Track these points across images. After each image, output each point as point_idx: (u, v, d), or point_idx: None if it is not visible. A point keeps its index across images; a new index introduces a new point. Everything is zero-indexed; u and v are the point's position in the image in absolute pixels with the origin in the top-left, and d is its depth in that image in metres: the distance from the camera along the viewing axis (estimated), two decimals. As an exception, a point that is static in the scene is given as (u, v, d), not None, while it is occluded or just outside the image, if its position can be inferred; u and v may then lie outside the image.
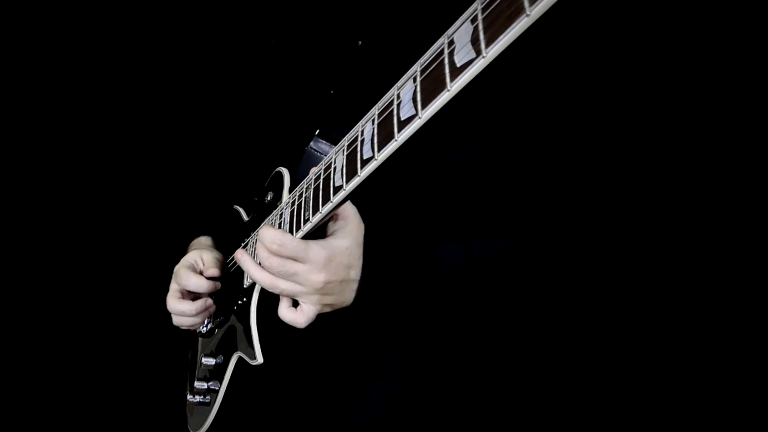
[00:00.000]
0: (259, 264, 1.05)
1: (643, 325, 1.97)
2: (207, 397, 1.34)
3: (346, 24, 1.31)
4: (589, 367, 2.01)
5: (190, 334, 1.50)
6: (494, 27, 0.65)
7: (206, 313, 1.33)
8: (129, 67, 2.48)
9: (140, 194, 2.52)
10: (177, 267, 1.32)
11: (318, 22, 1.35)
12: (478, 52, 0.68)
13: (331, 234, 1.05)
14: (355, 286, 1.07)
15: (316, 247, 1.01)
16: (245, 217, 1.39)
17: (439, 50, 0.75)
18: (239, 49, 1.59)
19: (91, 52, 2.45)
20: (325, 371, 1.31)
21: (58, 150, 2.48)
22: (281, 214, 1.14)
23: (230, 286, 1.31)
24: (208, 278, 1.30)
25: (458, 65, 0.71)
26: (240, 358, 1.23)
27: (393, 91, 0.84)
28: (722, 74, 1.82)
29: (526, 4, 0.61)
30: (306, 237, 1.04)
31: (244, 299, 1.22)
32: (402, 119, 0.80)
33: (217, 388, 1.30)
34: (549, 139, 1.24)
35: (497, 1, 0.65)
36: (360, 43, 1.27)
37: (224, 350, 1.29)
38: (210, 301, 1.32)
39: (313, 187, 1.03)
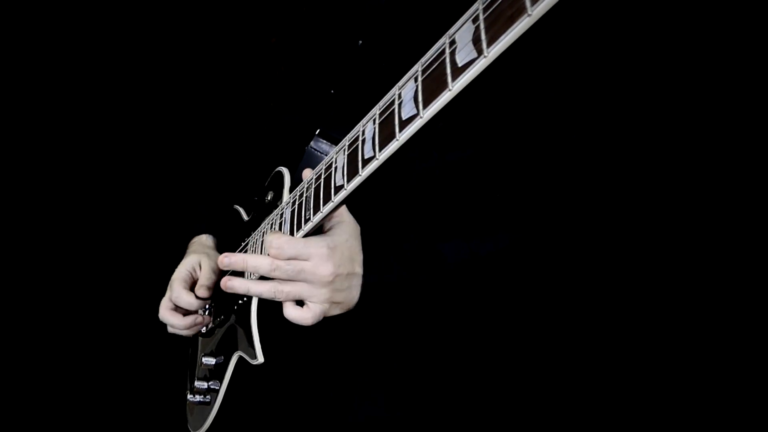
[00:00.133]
0: (260, 277, 1.05)
1: (645, 323, 1.97)
2: (207, 396, 1.34)
3: (346, 24, 1.31)
4: (590, 367, 2.01)
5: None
6: (496, 27, 0.66)
7: (197, 329, 1.33)
8: (130, 67, 2.48)
9: (141, 193, 2.52)
10: (173, 276, 1.32)
11: (318, 22, 1.35)
12: (480, 52, 0.68)
13: (328, 230, 1.05)
14: (360, 281, 1.07)
15: (314, 240, 1.01)
16: (245, 217, 1.39)
17: (440, 50, 0.75)
18: (240, 49, 1.59)
19: (93, 51, 2.45)
20: (325, 371, 1.30)
21: (59, 150, 2.48)
22: (282, 214, 1.14)
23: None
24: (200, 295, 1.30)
25: (460, 65, 0.71)
26: (240, 358, 1.23)
27: (394, 91, 0.85)
28: (722, 74, 1.82)
29: (528, 3, 0.61)
30: (306, 236, 1.04)
31: (245, 299, 1.22)
32: (403, 119, 0.80)
33: (217, 388, 1.30)
34: (550, 139, 1.24)
35: (499, 1, 0.65)
36: (360, 42, 1.27)
37: (224, 350, 1.29)
38: (200, 318, 1.31)
39: (314, 186, 1.03)
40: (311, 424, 1.32)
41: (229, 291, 1.09)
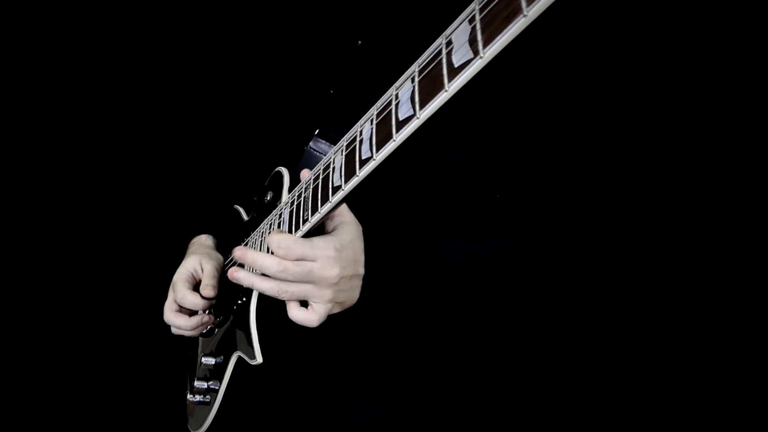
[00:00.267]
0: (264, 275, 1.04)
1: (644, 323, 1.96)
2: (207, 396, 1.34)
3: (346, 24, 1.30)
4: (590, 366, 2.01)
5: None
6: (492, 27, 0.65)
7: (202, 328, 1.32)
8: (130, 67, 2.48)
9: (141, 193, 2.52)
10: (176, 277, 1.31)
11: (318, 22, 1.35)
12: (476, 53, 0.68)
13: (332, 230, 1.05)
14: (361, 282, 1.07)
15: (321, 242, 1.01)
16: (245, 217, 1.39)
17: (437, 50, 0.75)
18: (240, 49, 1.59)
19: (92, 51, 2.45)
20: (324, 371, 1.31)
21: (59, 150, 2.48)
22: (281, 214, 1.14)
23: (230, 286, 1.31)
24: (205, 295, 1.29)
25: (456, 65, 0.71)
26: (240, 358, 1.23)
27: (391, 91, 0.84)
28: (722, 74, 1.82)
29: (524, 4, 0.61)
30: (305, 236, 1.04)
31: (244, 299, 1.22)
32: (400, 119, 0.80)
33: (217, 388, 1.30)
34: (547, 139, 1.24)
35: (495, 2, 0.65)
36: (360, 42, 1.27)
37: (224, 350, 1.29)
38: (206, 318, 1.30)
39: (312, 186, 1.03)
40: (311, 424, 1.32)
41: (234, 282, 1.09)
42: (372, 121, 0.87)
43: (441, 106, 0.75)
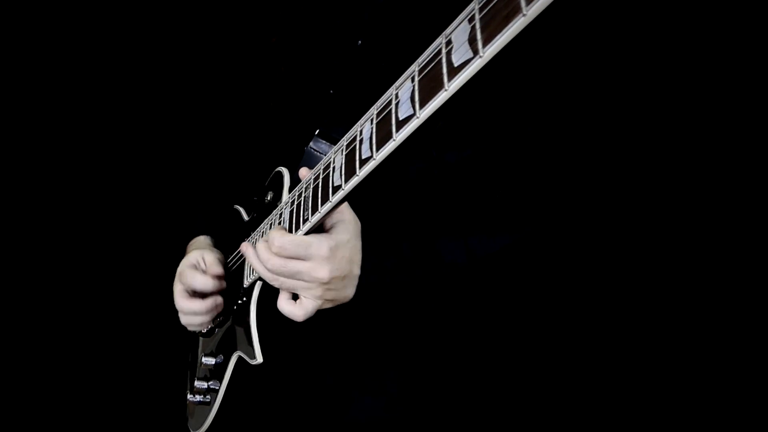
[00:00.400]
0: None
1: (643, 323, 1.96)
2: (207, 396, 1.34)
3: (346, 24, 1.31)
4: (590, 366, 2.01)
5: (191, 334, 1.50)
6: (491, 27, 0.66)
7: (216, 311, 1.31)
8: (130, 67, 2.48)
9: (141, 194, 2.52)
10: (180, 267, 1.32)
11: (318, 22, 1.35)
12: (476, 52, 0.68)
13: (330, 229, 1.06)
14: (356, 281, 1.07)
15: (317, 242, 1.01)
16: (245, 217, 1.39)
17: (437, 50, 0.75)
18: (240, 49, 1.60)
19: (92, 51, 2.45)
20: (324, 370, 1.31)
21: (59, 150, 2.48)
22: (281, 214, 1.15)
23: (230, 286, 1.32)
24: (214, 277, 1.30)
25: (456, 65, 0.71)
26: (240, 358, 1.23)
27: (391, 91, 0.85)
28: (722, 74, 1.82)
29: (523, 3, 0.61)
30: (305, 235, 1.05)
31: (244, 299, 1.22)
32: (400, 119, 0.80)
33: (217, 388, 1.31)
34: (546, 138, 1.24)
35: (494, 1, 0.65)
36: (359, 42, 1.27)
37: (224, 350, 1.30)
38: (220, 299, 1.30)
39: (312, 186, 1.03)
40: (311, 423, 1.32)
41: (244, 255, 1.11)
42: (372, 120, 0.87)
43: (441, 105, 0.75)
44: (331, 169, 0.97)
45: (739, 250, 1.86)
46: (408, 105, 0.79)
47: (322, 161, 1.03)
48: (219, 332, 1.35)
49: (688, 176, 1.89)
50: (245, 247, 1.11)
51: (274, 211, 1.20)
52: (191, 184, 1.63)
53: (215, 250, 1.40)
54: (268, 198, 1.26)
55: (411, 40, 0.94)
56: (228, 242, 1.41)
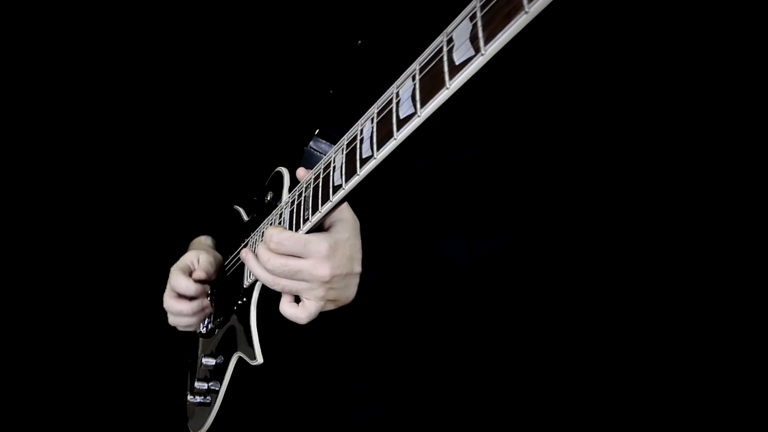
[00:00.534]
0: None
1: (644, 323, 1.96)
2: (207, 397, 1.34)
3: (346, 23, 1.30)
4: (590, 366, 2.00)
5: (191, 335, 1.50)
6: (493, 24, 0.65)
7: (202, 315, 1.32)
8: (129, 67, 2.48)
9: (141, 194, 2.52)
10: (172, 267, 1.33)
11: (318, 22, 1.35)
12: (477, 50, 0.68)
13: (329, 227, 1.05)
14: (357, 280, 1.07)
15: (316, 239, 1.01)
16: (245, 217, 1.39)
17: (438, 48, 0.75)
18: (240, 49, 1.59)
19: (92, 51, 2.45)
20: (325, 371, 1.30)
21: (59, 150, 2.48)
22: (281, 214, 1.14)
23: (230, 286, 1.31)
24: (197, 281, 1.30)
25: (457, 63, 0.71)
26: (240, 359, 1.23)
27: (392, 90, 0.84)
28: (722, 74, 1.82)
29: (525, 1, 0.60)
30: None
31: (244, 299, 1.22)
32: (401, 117, 0.80)
33: (217, 389, 1.30)
34: (548, 137, 1.24)
35: (496, -1, 0.65)
36: (359, 42, 1.27)
37: (224, 350, 1.29)
38: (206, 302, 1.32)
39: (312, 186, 1.02)
40: (311, 424, 1.32)
41: (244, 261, 1.12)
42: (373, 119, 0.87)
43: (442, 104, 0.75)
44: (331, 168, 0.97)
45: (739, 250, 1.86)
46: (409, 104, 0.79)
47: (322, 161, 1.02)
48: (219, 333, 1.34)
49: (692, 176, 1.89)
50: (245, 254, 1.11)
51: (274, 211, 1.20)
52: (192, 184, 1.62)
53: (212, 251, 1.40)
54: (268, 198, 1.25)
55: (411, 40, 0.93)
56: (228, 243, 1.41)
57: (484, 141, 1.23)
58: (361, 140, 0.89)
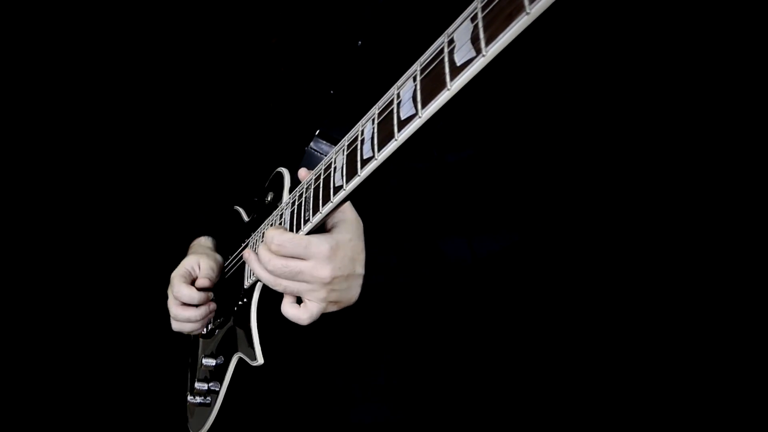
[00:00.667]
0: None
1: (648, 321, 1.96)
2: (207, 397, 1.34)
3: (346, 24, 1.30)
4: (592, 367, 2.00)
5: (191, 335, 1.50)
6: (494, 25, 0.65)
7: (207, 319, 1.33)
8: (129, 68, 2.48)
9: (141, 195, 2.52)
10: (173, 274, 1.32)
11: (318, 22, 1.35)
12: (478, 51, 0.68)
13: (332, 228, 1.05)
14: (360, 281, 1.06)
15: (317, 241, 1.00)
16: (245, 218, 1.39)
17: (439, 49, 0.75)
18: (240, 50, 1.59)
19: (92, 52, 2.45)
20: (325, 371, 1.30)
21: (59, 151, 2.48)
22: (281, 215, 1.14)
23: (231, 287, 1.31)
24: (200, 289, 1.30)
25: (458, 64, 0.71)
26: (240, 359, 1.23)
27: (393, 91, 0.84)
28: (722, 74, 1.82)
29: (526, 2, 0.60)
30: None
31: (245, 300, 1.22)
32: (402, 119, 0.80)
33: (217, 389, 1.30)
34: (549, 138, 1.23)
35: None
36: (360, 42, 1.27)
37: (225, 351, 1.29)
38: (213, 305, 1.32)
39: (313, 187, 1.02)
40: (312, 425, 1.32)
41: (246, 262, 1.12)
42: (373, 120, 0.87)
43: (443, 105, 0.74)
44: (332, 169, 0.97)
45: (742, 252, 1.86)
46: (410, 105, 0.79)
47: (322, 162, 1.02)
48: (219, 333, 1.34)
49: (694, 176, 1.89)
50: (247, 255, 1.11)
51: (275, 212, 1.19)
52: (192, 185, 1.62)
53: (213, 254, 1.40)
54: (269, 199, 1.25)
55: (410, 41, 0.93)
56: (228, 243, 1.41)
57: (484, 141, 1.23)
58: (362, 141, 0.89)
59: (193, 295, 1.28)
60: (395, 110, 0.82)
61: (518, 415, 1.89)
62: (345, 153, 0.93)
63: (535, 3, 0.60)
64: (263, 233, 1.21)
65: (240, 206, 1.43)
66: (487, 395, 1.37)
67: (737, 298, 1.85)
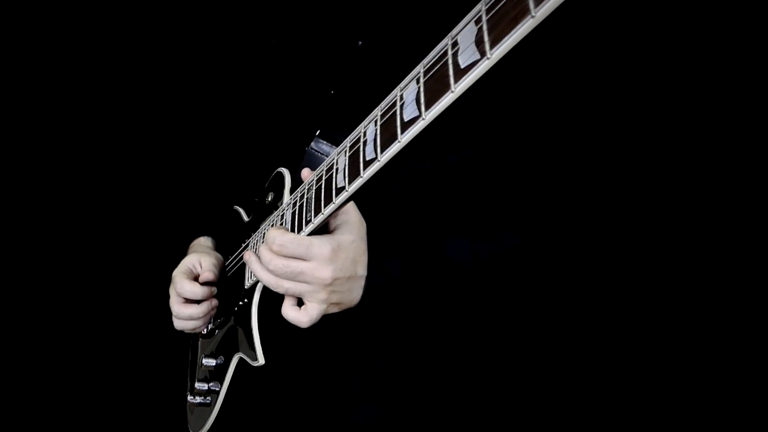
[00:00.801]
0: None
1: (649, 322, 1.96)
2: (207, 398, 1.34)
3: (346, 24, 1.30)
4: (593, 368, 2.01)
5: (191, 335, 1.50)
6: (499, 28, 0.65)
7: (209, 316, 1.33)
8: (130, 68, 2.47)
9: (141, 195, 2.51)
10: (174, 272, 1.32)
11: (318, 22, 1.35)
12: (483, 54, 0.68)
13: (335, 229, 1.05)
14: (362, 283, 1.06)
15: (319, 242, 1.00)
16: (245, 218, 1.38)
17: (442, 51, 0.75)
18: (240, 50, 1.59)
19: (92, 52, 2.44)
20: (326, 371, 1.30)
21: (59, 151, 2.47)
22: (283, 215, 1.14)
23: (231, 287, 1.31)
24: (203, 284, 1.30)
25: (462, 66, 0.71)
26: (241, 359, 1.23)
27: (396, 92, 0.84)
28: (722, 75, 1.82)
29: (532, 5, 0.60)
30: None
31: (245, 300, 1.22)
32: (405, 120, 0.80)
33: (217, 389, 1.30)
34: (552, 140, 1.23)
35: (502, 2, 0.65)
36: (360, 43, 1.27)
37: (225, 351, 1.29)
38: (216, 302, 1.31)
39: (315, 188, 1.02)
40: (312, 425, 1.32)
41: (247, 263, 1.13)
42: (376, 122, 0.87)
43: (447, 107, 0.75)
44: (334, 170, 0.96)
45: (744, 253, 1.86)
46: (413, 106, 0.79)
47: (324, 162, 1.02)
48: (219, 333, 1.34)
49: (696, 177, 1.89)
50: (248, 255, 1.10)
51: (275, 213, 1.19)
52: (192, 185, 1.62)
53: (213, 253, 1.39)
54: (269, 199, 1.25)
55: (412, 42, 0.93)
56: (228, 243, 1.40)
57: (486, 143, 1.23)
58: (365, 143, 0.89)
59: (196, 290, 1.27)
60: (398, 112, 0.82)
61: (519, 416, 1.89)
62: (347, 154, 0.93)
63: (540, 6, 0.60)
64: (264, 234, 1.21)
65: (240, 206, 1.43)
66: (489, 397, 1.37)
67: (737, 303, 1.86)
